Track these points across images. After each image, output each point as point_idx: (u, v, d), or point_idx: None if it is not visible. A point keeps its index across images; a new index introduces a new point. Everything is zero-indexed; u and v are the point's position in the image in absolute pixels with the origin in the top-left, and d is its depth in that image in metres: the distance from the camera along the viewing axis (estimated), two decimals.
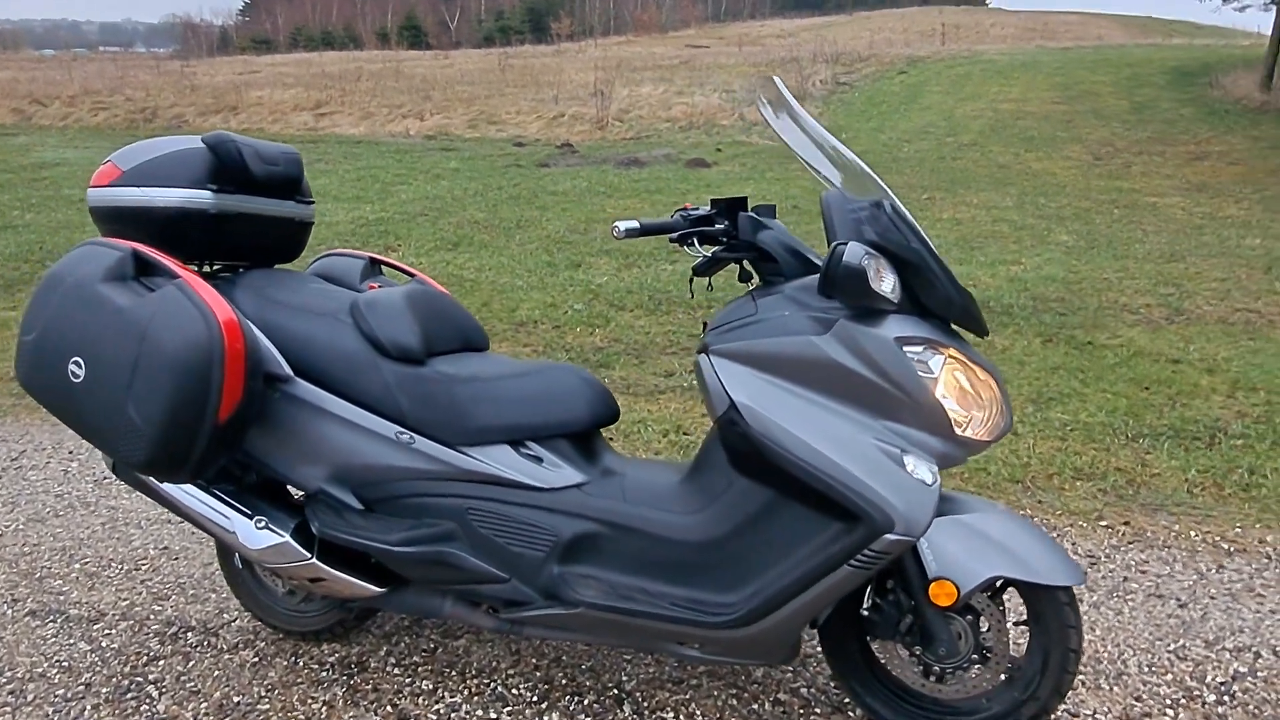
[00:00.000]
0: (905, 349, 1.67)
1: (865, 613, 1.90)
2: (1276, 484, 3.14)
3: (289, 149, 2.24)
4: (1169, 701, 2.06)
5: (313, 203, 2.34)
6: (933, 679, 1.88)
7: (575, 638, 1.98)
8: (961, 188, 9.63)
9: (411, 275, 2.61)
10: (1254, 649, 2.25)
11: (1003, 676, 1.85)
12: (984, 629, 1.83)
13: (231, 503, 2.01)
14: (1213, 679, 2.13)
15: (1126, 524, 2.88)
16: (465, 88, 19.36)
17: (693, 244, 1.82)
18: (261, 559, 2.00)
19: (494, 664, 2.23)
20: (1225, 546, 2.74)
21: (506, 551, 1.94)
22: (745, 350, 1.73)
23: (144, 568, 2.70)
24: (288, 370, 1.96)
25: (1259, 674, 2.15)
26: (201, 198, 2.03)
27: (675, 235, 1.82)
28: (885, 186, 1.81)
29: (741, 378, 1.72)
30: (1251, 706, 2.04)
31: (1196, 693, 2.09)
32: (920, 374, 1.67)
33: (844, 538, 1.68)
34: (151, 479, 2.01)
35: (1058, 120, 14.65)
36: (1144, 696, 2.08)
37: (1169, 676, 2.15)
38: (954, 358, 1.72)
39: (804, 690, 2.12)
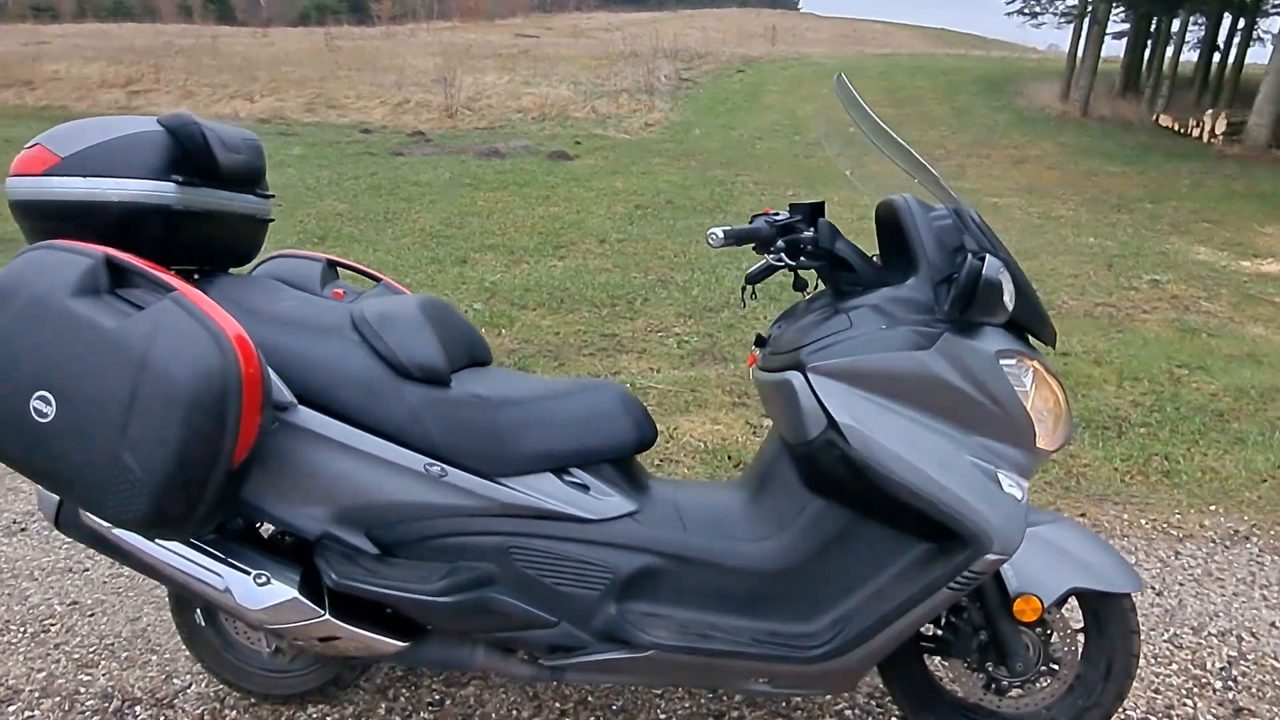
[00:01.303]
0: (1001, 362, 1.62)
1: (937, 632, 1.85)
2: (1190, 469, 3.38)
3: (249, 134, 1.93)
4: (1184, 691, 2.14)
5: (272, 196, 2.04)
6: (993, 692, 1.85)
7: (632, 681, 1.81)
8: (821, 185, 9.95)
9: (376, 279, 2.34)
10: (1235, 632, 2.38)
11: (1067, 685, 1.84)
12: (1054, 640, 1.82)
13: (221, 556, 1.69)
14: (1213, 665, 2.24)
15: (1083, 515, 3.01)
16: (293, 68, 18.11)
17: (778, 252, 1.69)
18: (265, 620, 1.70)
19: (514, 712, 2.01)
20: (1174, 533, 2.91)
21: (556, 593, 1.74)
22: (848, 368, 1.61)
23: (55, 629, 2.27)
24: (290, 397, 1.67)
25: (1248, 657, 2.28)
26: (164, 191, 1.70)
27: (769, 244, 1.68)
28: (955, 193, 1.75)
29: (843, 397, 1.61)
30: (1254, 689, 2.15)
31: (1204, 679, 2.18)
32: (1015, 388, 1.63)
33: (943, 560, 1.61)
34: (120, 533, 1.67)
35: (889, 123, 15.43)
36: (1160, 688, 2.15)
37: (1174, 666, 2.23)
38: (1038, 369, 1.68)
39: (848, 712, 2.04)
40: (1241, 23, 17.90)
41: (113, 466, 1.42)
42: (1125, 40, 19.81)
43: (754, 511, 1.82)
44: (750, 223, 1.72)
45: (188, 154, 1.74)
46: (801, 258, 1.69)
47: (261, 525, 1.90)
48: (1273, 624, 2.42)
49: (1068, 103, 17.32)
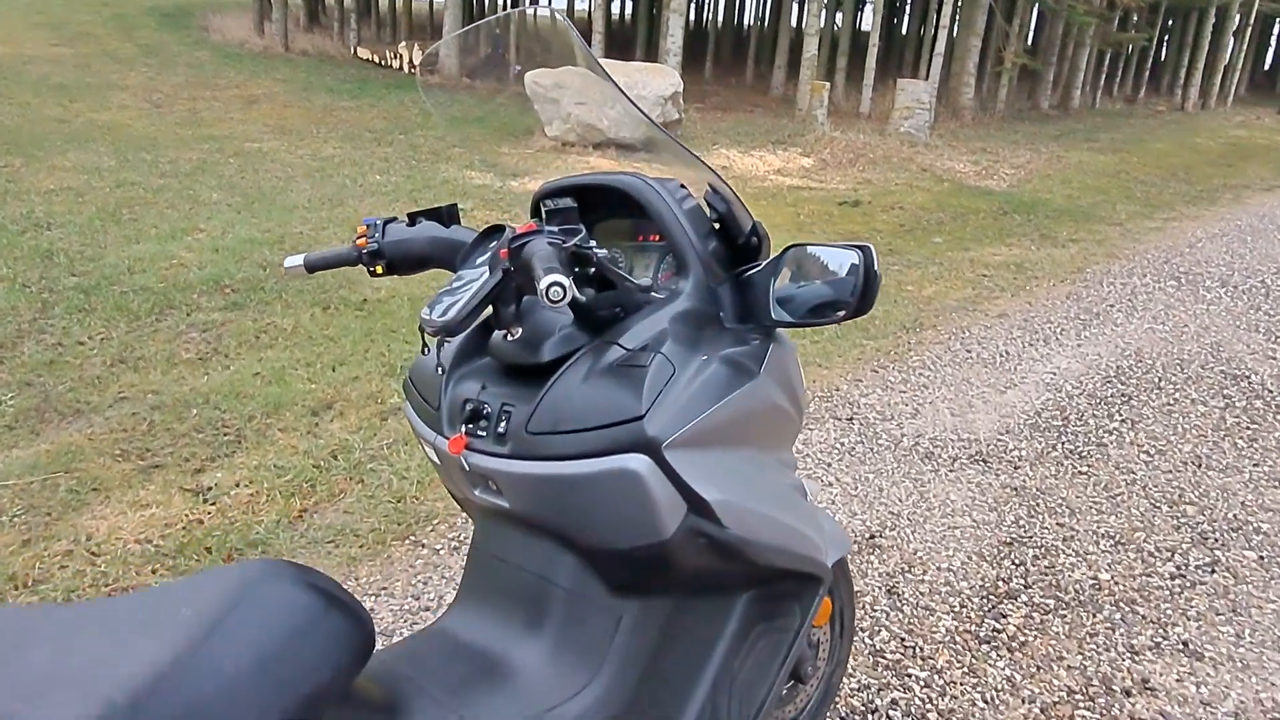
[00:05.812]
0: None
1: None
2: None
3: None
4: None
5: None
6: (783, 703, 1.68)
7: None
8: (38, 149, 7.83)
9: None
10: None
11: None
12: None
13: None
14: None
15: None
16: None
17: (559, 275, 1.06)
18: None
19: None
20: None
21: None
22: (703, 430, 1.13)
23: None
24: None
25: None
26: None
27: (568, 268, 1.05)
28: (695, 153, 1.36)
29: (703, 468, 1.13)
30: None
31: None
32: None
33: (796, 605, 1.34)
34: None
35: (74, 65, 13.01)
36: None
37: None
38: None
39: None
40: None
41: None
42: None
43: (547, 660, 1.24)
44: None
45: None
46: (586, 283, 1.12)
47: None
48: None
49: (266, 37, 16.84)
